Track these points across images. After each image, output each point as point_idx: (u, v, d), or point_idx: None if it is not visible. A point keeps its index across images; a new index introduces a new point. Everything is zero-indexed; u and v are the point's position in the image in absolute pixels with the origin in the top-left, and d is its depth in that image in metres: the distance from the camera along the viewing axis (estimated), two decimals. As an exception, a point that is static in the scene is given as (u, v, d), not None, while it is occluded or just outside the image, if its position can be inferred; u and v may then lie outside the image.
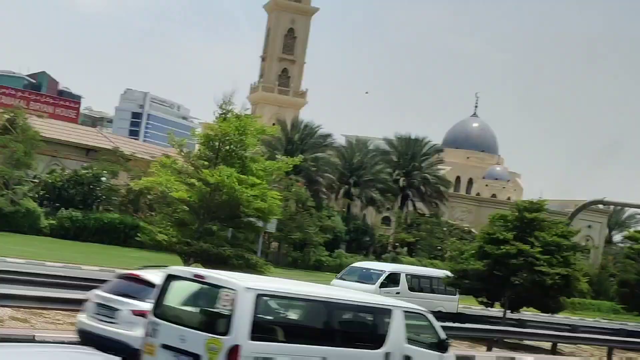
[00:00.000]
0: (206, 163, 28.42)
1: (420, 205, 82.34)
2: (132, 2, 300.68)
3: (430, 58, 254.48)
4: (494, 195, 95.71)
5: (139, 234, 31.44)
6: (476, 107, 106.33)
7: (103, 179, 56.48)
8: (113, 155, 59.43)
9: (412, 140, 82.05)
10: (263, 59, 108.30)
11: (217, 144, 28.00)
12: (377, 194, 76.27)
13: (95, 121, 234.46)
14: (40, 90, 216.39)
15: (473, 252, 27.79)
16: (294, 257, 64.31)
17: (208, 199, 27.18)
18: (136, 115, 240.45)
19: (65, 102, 72.58)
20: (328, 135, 75.38)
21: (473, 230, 76.41)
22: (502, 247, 25.83)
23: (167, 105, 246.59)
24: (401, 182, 78.30)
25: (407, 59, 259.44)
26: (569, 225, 32.79)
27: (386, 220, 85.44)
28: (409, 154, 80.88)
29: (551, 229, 26.39)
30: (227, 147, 27.86)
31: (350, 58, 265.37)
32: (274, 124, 75.33)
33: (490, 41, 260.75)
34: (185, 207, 28.60)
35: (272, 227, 45.13)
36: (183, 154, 29.71)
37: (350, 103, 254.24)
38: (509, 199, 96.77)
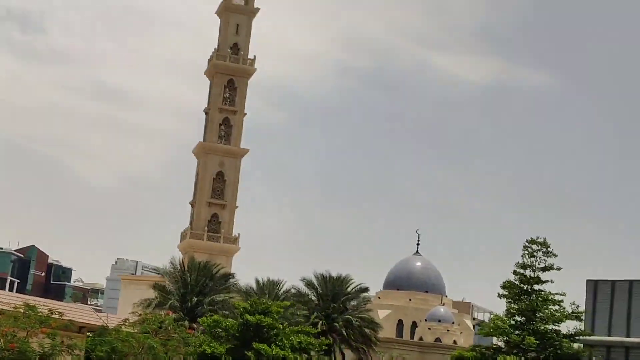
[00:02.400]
0: None
1: (348, 352, 74.57)
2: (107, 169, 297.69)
3: (369, 198, 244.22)
4: (437, 340, 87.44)
5: None
6: (418, 244, 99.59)
7: None
8: None
9: (334, 279, 74.75)
10: (192, 205, 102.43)
11: None
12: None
13: (85, 293, 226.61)
14: (30, 265, 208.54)
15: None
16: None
17: None
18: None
19: None
20: (229, 276, 68.19)
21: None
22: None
23: (159, 273, 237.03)
24: (319, 325, 70.24)
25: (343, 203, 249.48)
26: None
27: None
28: (330, 295, 73.50)
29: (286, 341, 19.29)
30: None
31: (283, 200, 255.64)
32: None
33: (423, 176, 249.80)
34: None
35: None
36: None
37: (286, 248, 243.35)
38: (455, 342, 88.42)
